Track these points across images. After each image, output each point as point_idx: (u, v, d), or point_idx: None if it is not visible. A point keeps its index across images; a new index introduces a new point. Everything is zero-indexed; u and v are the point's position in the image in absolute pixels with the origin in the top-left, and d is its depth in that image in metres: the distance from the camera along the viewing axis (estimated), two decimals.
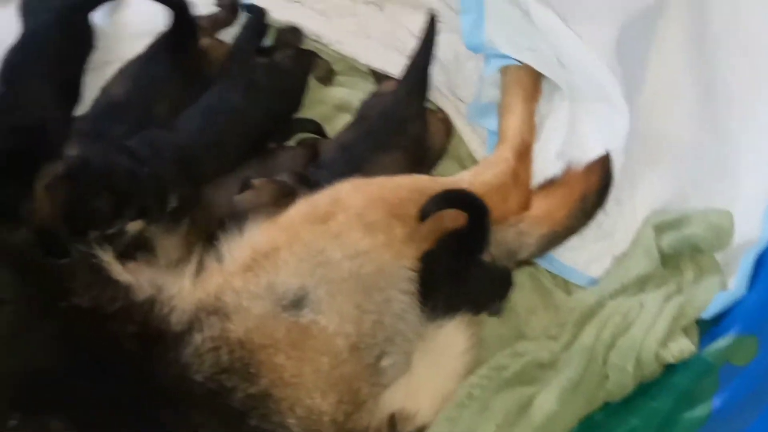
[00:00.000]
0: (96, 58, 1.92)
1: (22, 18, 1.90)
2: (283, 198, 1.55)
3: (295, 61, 1.94)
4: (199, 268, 1.46)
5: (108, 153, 1.57)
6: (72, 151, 1.63)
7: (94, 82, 1.84)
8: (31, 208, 1.52)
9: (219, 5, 2.03)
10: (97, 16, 1.95)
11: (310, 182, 1.59)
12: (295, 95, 1.94)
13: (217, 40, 1.96)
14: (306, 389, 1.31)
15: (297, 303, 1.36)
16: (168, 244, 1.58)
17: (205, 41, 1.91)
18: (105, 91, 1.79)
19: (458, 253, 1.56)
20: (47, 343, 1.31)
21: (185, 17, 1.85)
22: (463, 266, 1.56)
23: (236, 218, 1.53)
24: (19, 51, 1.81)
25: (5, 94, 1.75)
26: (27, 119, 1.70)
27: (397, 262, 1.48)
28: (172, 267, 1.48)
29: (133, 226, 1.53)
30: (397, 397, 1.41)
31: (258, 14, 1.97)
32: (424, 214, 1.50)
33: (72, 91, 1.84)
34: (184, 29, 1.86)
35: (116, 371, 1.30)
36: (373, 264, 1.44)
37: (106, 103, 1.76)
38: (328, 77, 2.01)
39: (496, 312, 1.66)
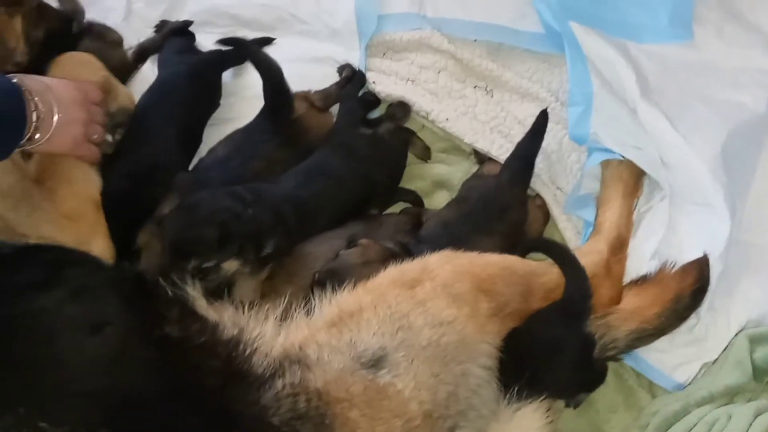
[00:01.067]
0: (218, 114, 2.06)
1: (160, 67, 2.07)
2: (386, 262, 1.58)
3: (395, 136, 2.01)
4: (284, 316, 1.50)
5: (217, 193, 1.68)
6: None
7: (213, 137, 1.97)
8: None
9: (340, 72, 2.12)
10: (225, 75, 2.10)
11: (411, 253, 1.62)
12: (395, 167, 2.00)
13: (315, 110, 2.04)
14: None
15: (376, 363, 1.38)
16: (246, 286, 1.64)
17: (301, 109, 2.00)
18: (211, 151, 1.91)
19: (557, 322, 1.56)
20: (140, 367, 1.36)
21: (281, 87, 1.96)
22: (563, 338, 1.56)
23: (335, 273, 1.58)
24: (151, 93, 1.96)
25: (132, 131, 1.87)
26: (147, 158, 1.82)
27: (479, 336, 1.48)
28: (247, 309, 1.51)
29: (230, 265, 1.61)
30: None
31: (359, 78, 2.07)
32: (523, 251, 1.55)
33: (192, 139, 1.96)
34: (279, 98, 1.96)
35: (198, 403, 1.33)
36: (455, 335, 1.44)
37: (210, 161, 1.87)
38: (425, 155, 2.06)
39: (575, 404, 1.63)
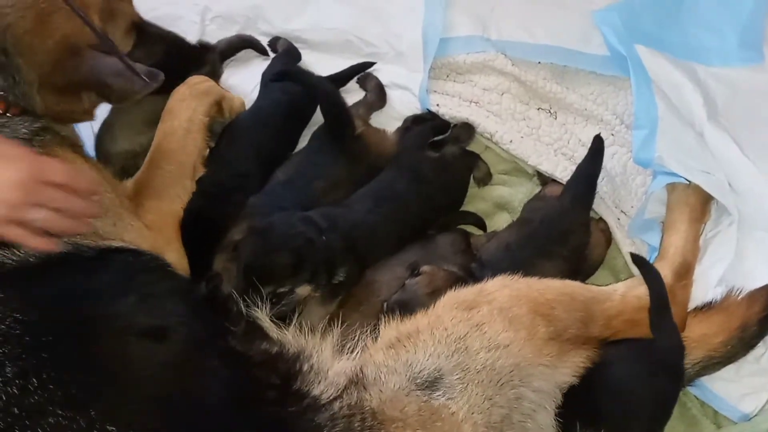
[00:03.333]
0: None
1: (261, 88, 2.13)
2: (451, 286, 1.59)
3: (460, 159, 2.02)
4: (343, 340, 1.53)
5: (290, 218, 1.72)
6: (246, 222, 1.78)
7: None
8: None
9: (362, 87, 2.17)
10: None
11: (475, 276, 1.63)
12: (459, 191, 2.02)
13: (372, 127, 2.08)
14: None
15: (431, 384, 1.38)
16: (316, 313, 1.67)
17: (360, 127, 2.03)
18: (276, 173, 1.94)
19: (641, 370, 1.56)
20: (203, 376, 1.40)
21: (341, 107, 2.00)
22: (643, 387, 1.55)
23: (405, 304, 1.60)
24: (247, 118, 2.03)
25: (220, 151, 1.94)
26: (229, 180, 1.88)
27: (536, 360, 1.47)
28: (315, 333, 1.54)
29: (303, 290, 1.65)
30: None
31: (439, 124, 2.08)
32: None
33: (272, 165, 1.98)
34: (341, 117, 2.00)
35: (256, 416, 1.36)
36: (511, 358, 1.44)
37: (276, 183, 1.91)
38: (485, 179, 2.07)
39: None
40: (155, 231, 1.73)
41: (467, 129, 2.04)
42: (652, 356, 1.57)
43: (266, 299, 1.57)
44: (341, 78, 2.15)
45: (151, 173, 1.81)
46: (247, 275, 1.60)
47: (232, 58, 2.30)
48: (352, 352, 1.51)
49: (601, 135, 1.92)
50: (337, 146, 1.95)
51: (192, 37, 2.26)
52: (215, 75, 2.18)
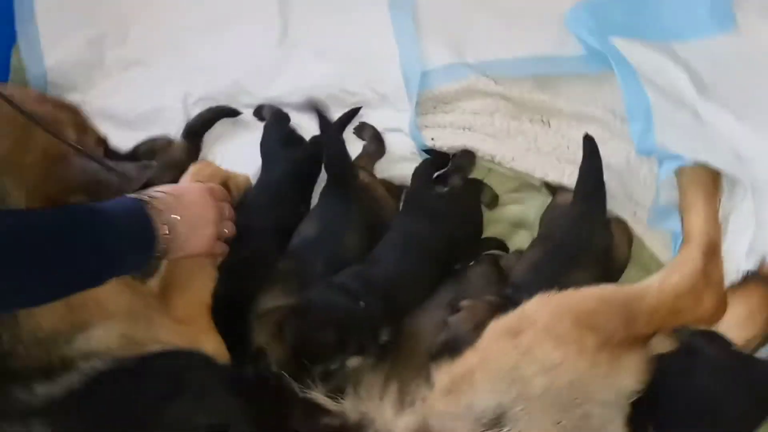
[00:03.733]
0: None
1: (264, 159, 2.14)
2: (493, 316, 1.57)
3: (467, 188, 2.03)
4: (400, 396, 1.51)
5: (327, 292, 1.72)
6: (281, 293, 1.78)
7: None
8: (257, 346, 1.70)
9: (359, 137, 2.19)
10: None
11: (513, 301, 1.61)
12: (475, 218, 2.02)
13: (377, 178, 2.09)
14: None
15: (497, 421, 1.37)
16: (374, 380, 1.64)
17: (366, 179, 2.04)
18: (299, 232, 1.93)
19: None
20: None
21: (342, 154, 2.01)
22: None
23: (451, 344, 1.59)
24: (258, 193, 2.03)
25: (240, 230, 1.88)
26: (248, 258, 1.86)
27: (592, 372, 1.46)
28: (372, 396, 1.54)
29: (353, 362, 1.64)
30: None
31: (438, 156, 2.10)
32: None
33: (290, 231, 1.97)
34: (343, 164, 2.01)
35: None
36: (567, 376, 1.43)
37: (302, 242, 1.90)
38: (493, 202, 2.08)
39: None
40: (188, 325, 1.71)
41: (468, 156, 2.05)
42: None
43: (317, 378, 1.56)
44: (340, 129, 2.17)
45: (172, 269, 1.79)
46: (296, 355, 1.60)
47: (219, 137, 2.31)
48: (411, 405, 1.49)
49: (598, 132, 1.94)
50: (348, 197, 1.95)
51: (179, 124, 2.29)
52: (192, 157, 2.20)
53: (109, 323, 1.56)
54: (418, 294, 1.82)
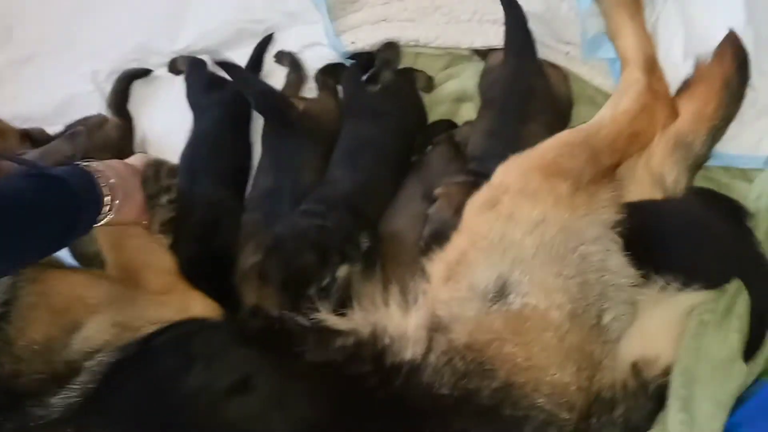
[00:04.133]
0: None
1: (194, 110, 2.10)
2: (469, 194, 1.58)
3: (399, 79, 2.02)
4: (403, 297, 1.53)
5: (291, 222, 1.73)
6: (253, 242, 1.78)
7: None
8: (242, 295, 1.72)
9: (280, 62, 2.16)
10: None
11: (481, 174, 1.62)
12: (416, 107, 2.02)
13: (310, 99, 2.07)
14: (542, 368, 1.35)
15: (501, 292, 1.40)
16: (370, 290, 1.66)
17: (299, 105, 2.02)
18: (256, 185, 1.93)
19: None
20: (304, 401, 1.41)
21: (273, 97, 2.00)
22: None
23: (438, 233, 1.61)
24: (194, 148, 1.99)
25: (186, 194, 1.91)
26: (208, 216, 1.87)
27: (575, 215, 1.49)
28: (377, 305, 1.55)
29: (342, 272, 1.65)
30: (633, 346, 1.41)
31: (362, 57, 2.08)
32: None
33: (243, 174, 1.99)
34: (279, 103, 2.00)
35: (371, 407, 1.39)
36: (554, 227, 1.46)
37: (262, 193, 1.90)
38: (429, 85, 2.07)
39: None
40: (168, 294, 1.73)
41: (391, 47, 2.03)
42: None
43: (318, 299, 1.58)
44: (253, 66, 2.12)
45: (120, 254, 1.79)
46: (287, 290, 1.62)
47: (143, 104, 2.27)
48: (416, 302, 1.51)
49: None
50: (294, 133, 1.93)
51: (98, 105, 2.23)
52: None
53: (98, 316, 1.57)
54: (384, 195, 1.83)
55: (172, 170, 1.92)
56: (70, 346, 1.52)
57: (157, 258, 1.79)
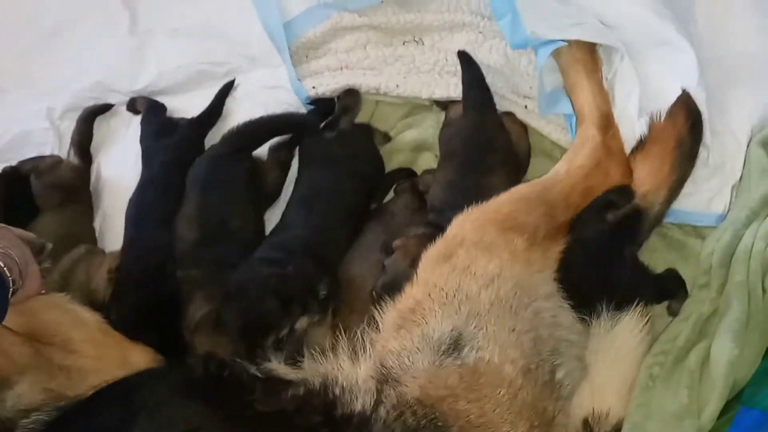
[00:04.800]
0: None
1: (144, 156, 2.07)
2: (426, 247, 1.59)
3: (356, 128, 2.02)
4: (353, 346, 1.51)
5: (251, 269, 1.70)
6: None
7: None
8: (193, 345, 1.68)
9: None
10: None
11: (440, 226, 1.62)
12: (373, 155, 2.01)
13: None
14: (495, 425, 1.33)
15: (455, 345, 1.40)
16: (319, 334, 1.66)
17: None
18: (181, 237, 1.87)
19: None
20: None
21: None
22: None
23: (391, 284, 1.60)
24: (143, 194, 1.97)
25: (131, 234, 1.89)
26: (155, 259, 1.84)
27: (529, 271, 1.51)
28: (326, 354, 1.53)
29: (301, 324, 1.63)
30: (584, 402, 1.43)
31: (322, 103, 2.08)
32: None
33: None
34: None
35: None
36: (509, 282, 1.47)
37: (193, 247, 1.85)
38: (385, 138, 2.07)
39: (674, 313, 1.65)
40: (104, 349, 1.67)
41: (352, 94, 2.04)
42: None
43: (275, 349, 1.56)
44: (214, 110, 2.12)
45: (44, 331, 1.66)
46: (245, 337, 1.59)
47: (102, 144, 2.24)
48: (365, 352, 1.49)
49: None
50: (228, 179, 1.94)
51: (53, 143, 2.19)
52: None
53: (28, 377, 1.52)
54: (340, 242, 1.83)
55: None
56: (4, 402, 1.48)
57: (79, 321, 1.71)
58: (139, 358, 1.67)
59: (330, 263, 1.77)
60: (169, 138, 2.05)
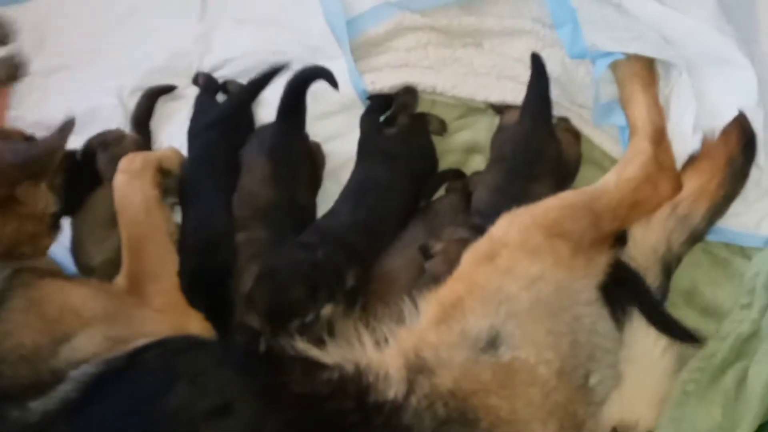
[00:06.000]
0: None
1: (189, 141, 2.12)
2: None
3: (414, 123, 2.05)
4: (385, 334, 1.55)
5: (286, 251, 1.75)
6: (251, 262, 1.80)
7: None
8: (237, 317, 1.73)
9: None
10: None
11: (483, 230, 1.64)
12: (428, 152, 2.05)
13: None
14: (525, 423, 1.36)
15: (492, 343, 1.42)
16: (344, 323, 1.68)
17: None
18: (252, 194, 1.92)
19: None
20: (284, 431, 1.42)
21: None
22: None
23: (428, 282, 1.62)
24: (192, 167, 2.02)
25: (188, 208, 1.94)
26: (209, 231, 1.88)
27: (572, 277, 1.52)
28: (360, 341, 1.56)
29: (326, 311, 1.66)
30: (614, 411, 1.44)
31: (380, 99, 2.11)
32: None
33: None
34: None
35: None
36: (550, 286, 1.48)
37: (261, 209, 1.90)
38: (441, 129, 2.11)
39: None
40: (169, 311, 1.76)
41: (410, 92, 2.07)
42: None
43: (298, 333, 1.58)
44: (256, 86, 2.14)
45: (136, 262, 1.82)
46: (270, 320, 1.62)
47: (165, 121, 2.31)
48: (397, 344, 1.52)
49: (530, 44, 2.01)
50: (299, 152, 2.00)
51: (119, 119, 2.27)
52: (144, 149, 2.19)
53: (90, 329, 1.59)
54: (384, 236, 1.86)
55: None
56: (58, 354, 1.53)
57: (168, 271, 1.81)
58: (195, 327, 1.75)
59: (366, 255, 1.80)
60: (205, 116, 2.11)
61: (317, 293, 1.65)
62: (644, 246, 1.69)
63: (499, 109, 2.05)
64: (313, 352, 1.55)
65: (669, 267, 1.70)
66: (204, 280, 1.82)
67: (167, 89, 2.31)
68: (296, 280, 1.64)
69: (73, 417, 1.44)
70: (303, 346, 1.55)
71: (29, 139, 1.92)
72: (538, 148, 1.85)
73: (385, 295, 1.74)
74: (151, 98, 2.29)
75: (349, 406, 1.42)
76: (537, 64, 1.91)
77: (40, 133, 1.88)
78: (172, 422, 1.43)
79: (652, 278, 1.67)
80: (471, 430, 1.36)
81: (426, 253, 1.72)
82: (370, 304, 1.75)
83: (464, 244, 1.63)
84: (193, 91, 2.28)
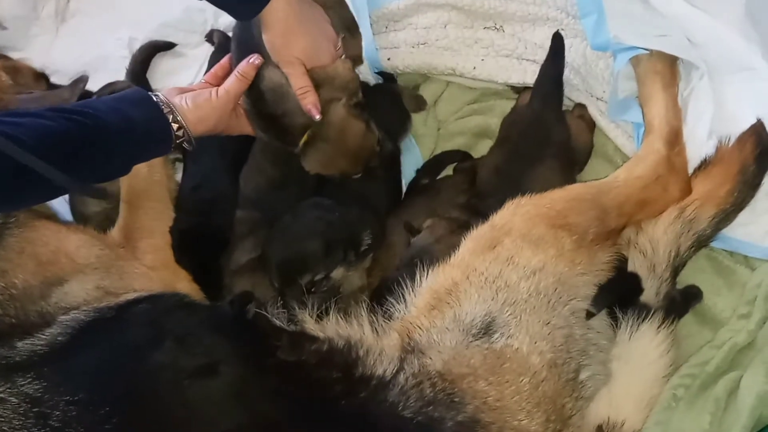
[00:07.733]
0: None
1: None
2: (459, 230, 1.61)
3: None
4: (381, 314, 1.54)
5: (302, 209, 1.75)
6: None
7: None
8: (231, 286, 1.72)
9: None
10: None
11: (479, 211, 1.63)
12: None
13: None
14: (511, 411, 1.34)
15: (486, 329, 1.41)
16: (353, 278, 1.70)
17: None
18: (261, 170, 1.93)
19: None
20: (267, 396, 1.41)
21: None
22: None
23: (413, 260, 1.61)
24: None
25: (189, 168, 1.94)
26: (207, 192, 1.89)
27: (573, 271, 1.50)
28: (357, 318, 1.55)
29: (337, 273, 1.68)
30: (601, 408, 1.43)
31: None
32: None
33: (240, 161, 1.98)
34: None
35: (330, 415, 1.38)
36: (550, 278, 1.46)
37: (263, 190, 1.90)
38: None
39: None
40: (160, 269, 1.75)
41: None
42: None
43: (307, 291, 1.59)
44: None
45: (133, 216, 1.81)
46: (282, 271, 1.62)
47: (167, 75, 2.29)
48: (391, 323, 1.52)
49: (551, 32, 1.93)
50: None
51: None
52: None
53: (83, 276, 1.59)
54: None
55: None
56: (49, 297, 1.54)
57: (162, 230, 1.81)
58: (183, 287, 1.74)
59: (379, 211, 1.83)
60: None
61: (331, 250, 1.65)
62: (660, 248, 1.66)
63: (518, 90, 2.02)
64: (308, 324, 1.54)
65: (677, 271, 1.68)
66: (196, 240, 1.82)
67: (166, 46, 2.28)
68: (312, 234, 1.65)
69: (60, 361, 1.43)
70: (298, 315, 1.55)
71: (40, 76, 1.90)
72: (545, 130, 1.82)
73: (386, 267, 1.76)
74: (148, 52, 2.28)
75: (335, 377, 1.42)
76: (557, 44, 1.86)
77: None
78: (157, 377, 1.42)
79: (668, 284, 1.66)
80: (456, 414, 1.34)
81: (411, 230, 1.73)
82: (373, 272, 1.77)
83: (453, 224, 1.63)
84: (196, 51, 2.27)
